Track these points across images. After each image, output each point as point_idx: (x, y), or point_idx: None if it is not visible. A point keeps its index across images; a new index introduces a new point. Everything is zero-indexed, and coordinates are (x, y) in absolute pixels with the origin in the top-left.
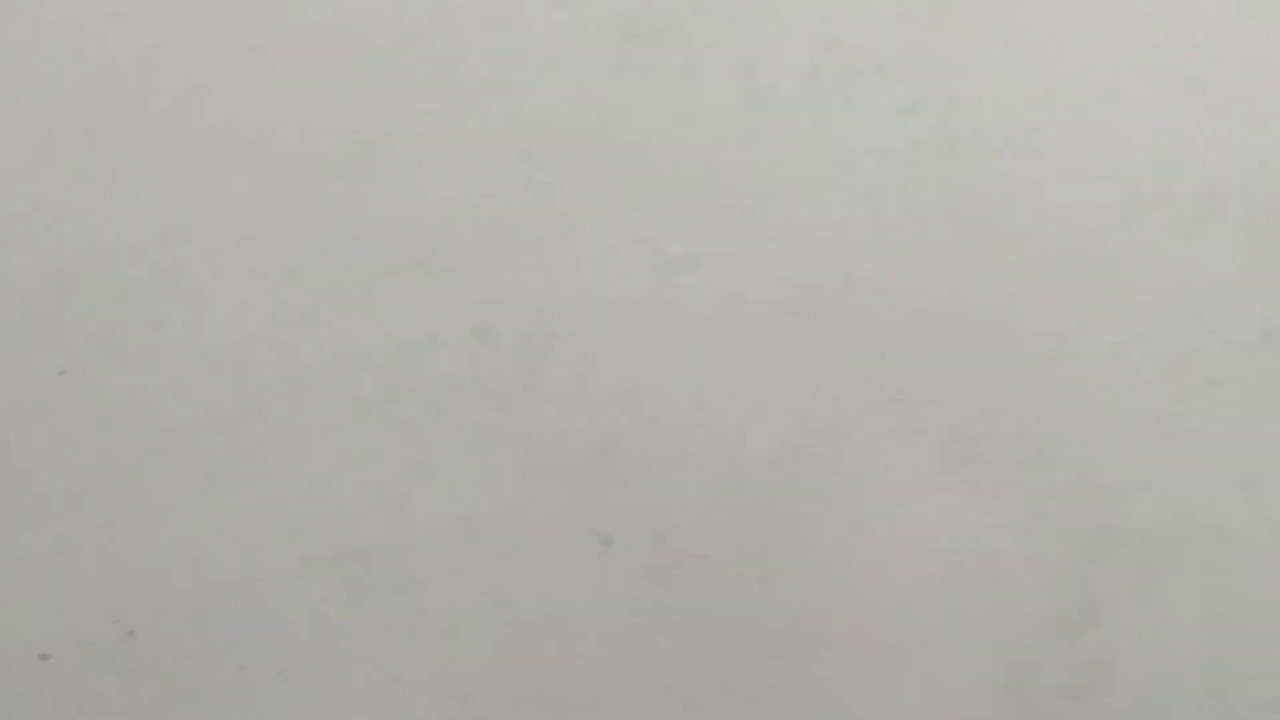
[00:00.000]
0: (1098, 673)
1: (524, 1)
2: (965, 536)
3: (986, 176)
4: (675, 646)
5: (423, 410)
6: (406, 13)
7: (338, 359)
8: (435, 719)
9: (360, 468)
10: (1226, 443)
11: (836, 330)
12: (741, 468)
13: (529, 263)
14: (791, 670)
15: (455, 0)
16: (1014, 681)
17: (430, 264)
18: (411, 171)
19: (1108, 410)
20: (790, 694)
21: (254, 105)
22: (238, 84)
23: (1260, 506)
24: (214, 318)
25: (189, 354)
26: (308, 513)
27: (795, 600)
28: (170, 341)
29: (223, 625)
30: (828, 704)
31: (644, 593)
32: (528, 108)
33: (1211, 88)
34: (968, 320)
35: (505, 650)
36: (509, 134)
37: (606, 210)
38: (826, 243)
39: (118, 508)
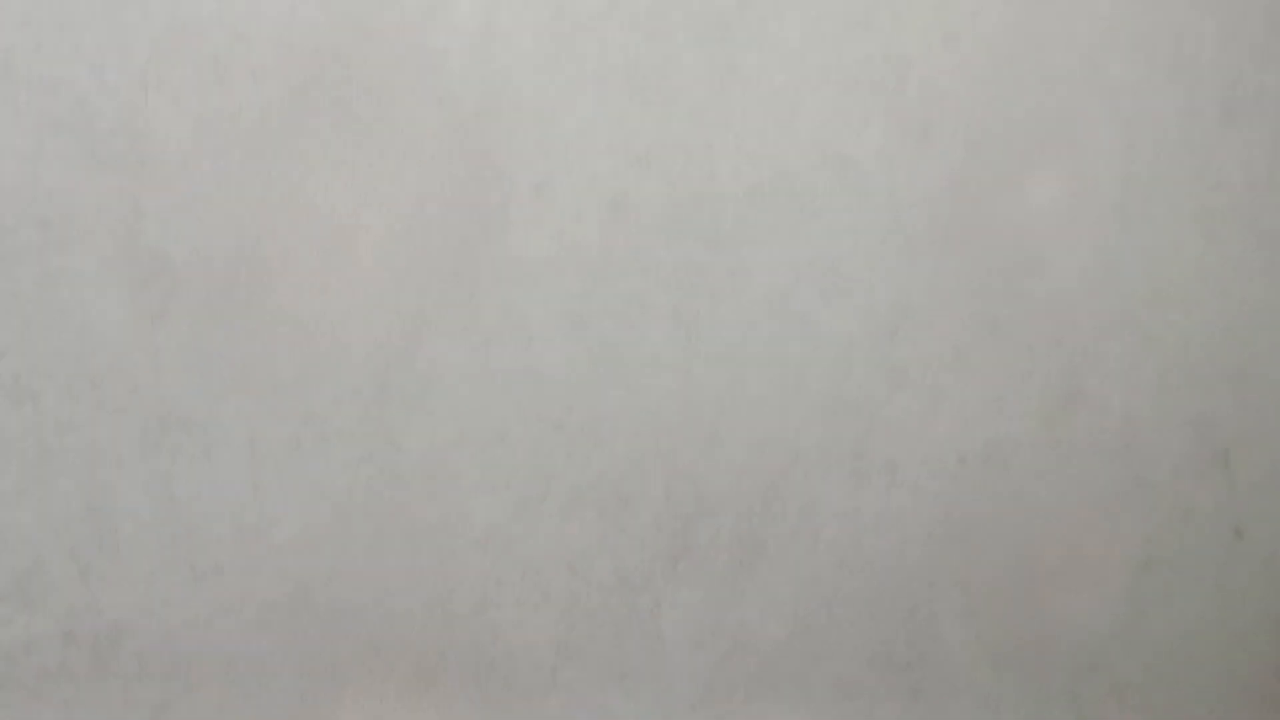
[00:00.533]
0: None
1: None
2: None
3: (422, 501)
4: None
5: (25, 694)
6: None
7: None
8: None
9: None
10: (601, 661)
11: (324, 610)
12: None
13: (99, 586)
14: None
15: None
16: None
17: (27, 592)
18: (10, 524)
19: (519, 639)
20: None
21: None
22: None
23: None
24: None
25: None
26: None
27: None
28: None
29: None
30: None
31: None
32: (89, 487)
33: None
34: (408, 595)
35: None
36: (77, 500)
37: (157, 546)
38: (298, 557)
39: None
